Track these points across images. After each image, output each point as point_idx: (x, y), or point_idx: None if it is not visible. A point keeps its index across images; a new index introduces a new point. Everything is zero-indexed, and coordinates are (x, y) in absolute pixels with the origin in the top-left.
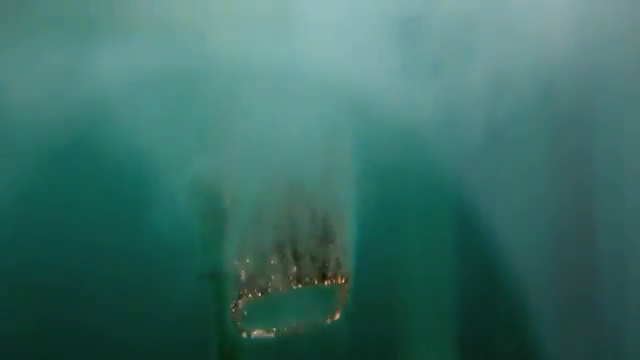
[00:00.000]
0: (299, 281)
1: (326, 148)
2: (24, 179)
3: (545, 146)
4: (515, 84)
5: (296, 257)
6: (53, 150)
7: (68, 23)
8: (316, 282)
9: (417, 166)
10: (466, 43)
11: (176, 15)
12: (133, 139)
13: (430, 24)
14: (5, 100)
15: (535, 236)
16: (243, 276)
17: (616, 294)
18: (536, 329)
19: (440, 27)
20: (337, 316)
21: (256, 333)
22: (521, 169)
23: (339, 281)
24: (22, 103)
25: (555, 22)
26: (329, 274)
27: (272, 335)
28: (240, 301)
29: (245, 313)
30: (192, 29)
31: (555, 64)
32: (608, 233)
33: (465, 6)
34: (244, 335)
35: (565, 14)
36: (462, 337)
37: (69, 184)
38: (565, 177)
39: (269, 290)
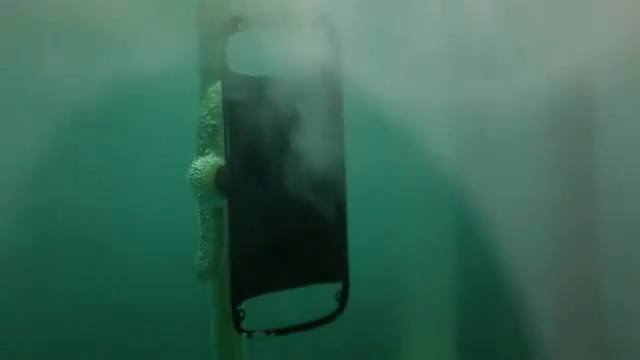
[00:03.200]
0: (299, 280)
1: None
2: (26, 171)
3: (546, 145)
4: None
5: (297, 256)
6: (52, 147)
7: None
8: (316, 282)
9: (417, 166)
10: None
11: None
12: (130, 136)
13: (431, 27)
14: None
15: (537, 236)
16: (243, 275)
17: (620, 296)
18: (537, 332)
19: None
20: (337, 316)
21: (256, 333)
22: (522, 168)
23: (339, 281)
24: None
25: None
26: (329, 274)
27: (272, 335)
28: (240, 301)
29: (245, 313)
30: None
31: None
32: (612, 232)
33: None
34: (244, 335)
35: None
36: (462, 338)
37: (65, 184)
38: (567, 176)
39: (269, 290)
